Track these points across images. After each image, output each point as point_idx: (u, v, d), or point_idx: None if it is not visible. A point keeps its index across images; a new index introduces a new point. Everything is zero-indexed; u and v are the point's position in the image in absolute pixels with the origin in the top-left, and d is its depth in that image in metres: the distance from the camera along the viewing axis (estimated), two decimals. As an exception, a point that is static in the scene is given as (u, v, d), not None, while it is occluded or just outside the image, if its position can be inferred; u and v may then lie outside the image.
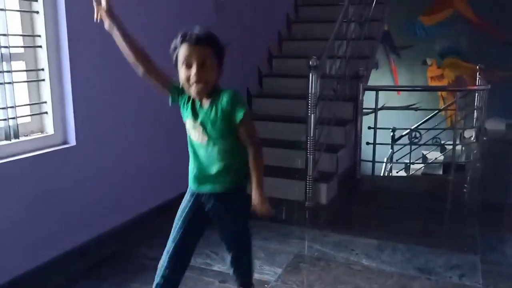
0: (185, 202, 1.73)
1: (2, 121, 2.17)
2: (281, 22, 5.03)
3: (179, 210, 1.73)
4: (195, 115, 1.60)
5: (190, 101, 1.61)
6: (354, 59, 4.14)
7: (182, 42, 1.50)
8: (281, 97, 4.31)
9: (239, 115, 1.54)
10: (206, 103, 1.58)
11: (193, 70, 1.49)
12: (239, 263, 1.79)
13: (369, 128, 4.29)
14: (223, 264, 2.48)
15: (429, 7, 7.82)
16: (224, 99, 1.54)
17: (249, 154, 1.60)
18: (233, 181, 1.64)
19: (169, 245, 1.70)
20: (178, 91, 1.63)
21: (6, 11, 2.14)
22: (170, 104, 1.68)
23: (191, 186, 1.71)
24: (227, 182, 1.64)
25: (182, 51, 1.50)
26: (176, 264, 1.69)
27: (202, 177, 1.65)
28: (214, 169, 1.62)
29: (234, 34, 3.97)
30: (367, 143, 4.36)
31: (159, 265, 1.70)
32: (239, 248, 1.77)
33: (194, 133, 1.62)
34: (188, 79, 1.50)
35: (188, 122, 1.63)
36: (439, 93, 7.85)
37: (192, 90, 1.53)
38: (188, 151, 1.69)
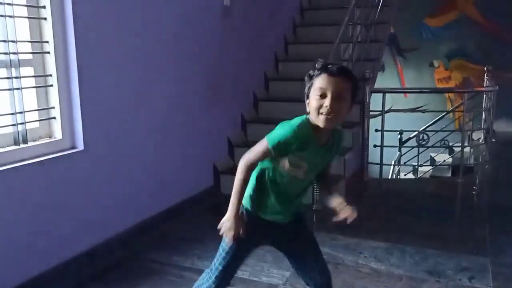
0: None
1: (11, 127, 2.19)
2: (286, 26, 5.04)
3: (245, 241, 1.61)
4: (310, 154, 1.52)
5: (311, 142, 1.51)
6: (360, 61, 4.14)
7: (322, 72, 1.46)
8: (288, 100, 4.31)
9: (344, 149, 1.60)
10: (326, 140, 1.54)
11: (328, 100, 1.43)
12: None
13: (376, 130, 4.28)
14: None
15: (435, 9, 7.79)
16: (341, 134, 1.59)
17: (328, 177, 1.69)
18: (303, 206, 1.73)
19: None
20: (287, 149, 1.50)
21: (15, 18, 2.17)
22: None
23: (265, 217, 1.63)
24: (299, 209, 1.70)
25: (319, 81, 1.45)
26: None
27: (286, 209, 1.62)
28: (295, 200, 1.63)
29: (240, 38, 3.98)
30: (375, 146, 4.33)
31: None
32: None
33: (296, 171, 1.54)
34: (319, 108, 1.45)
35: (293, 162, 1.53)
36: (447, 95, 7.81)
37: (320, 120, 1.46)
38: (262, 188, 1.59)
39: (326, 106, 1.43)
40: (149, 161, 2.95)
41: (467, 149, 4.71)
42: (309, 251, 1.72)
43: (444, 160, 6.21)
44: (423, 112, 5.11)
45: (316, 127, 1.48)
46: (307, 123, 1.50)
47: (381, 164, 4.40)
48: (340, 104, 1.44)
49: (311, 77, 1.49)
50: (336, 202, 1.61)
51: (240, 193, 1.53)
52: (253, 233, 1.58)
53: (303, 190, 1.62)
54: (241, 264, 1.67)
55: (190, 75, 3.33)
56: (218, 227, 1.56)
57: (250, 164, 1.52)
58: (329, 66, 1.46)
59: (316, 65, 1.50)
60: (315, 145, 1.50)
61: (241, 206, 1.57)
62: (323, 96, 1.44)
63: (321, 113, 1.44)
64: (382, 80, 6.83)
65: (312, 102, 1.46)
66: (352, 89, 1.47)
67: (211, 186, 3.67)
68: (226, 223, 1.54)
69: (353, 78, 1.48)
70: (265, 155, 1.51)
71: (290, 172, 1.52)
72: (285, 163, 1.52)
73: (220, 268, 1.61)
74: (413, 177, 6.23)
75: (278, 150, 1.49)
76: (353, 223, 1.60)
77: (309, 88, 1.49)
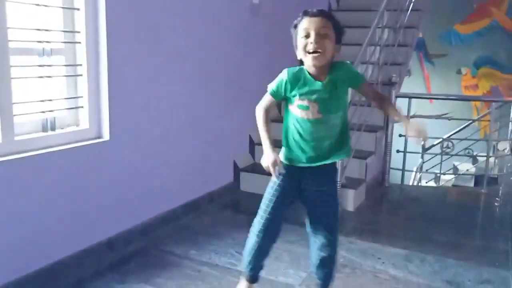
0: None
1: (40, 114, 2.24)
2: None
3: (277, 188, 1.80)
4: (310, 93, 1.64)
5: (305, 81, 1.65)
6: (387, 65, 4.09)
7: (303, 16, 1.60)
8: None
9: (361, 78, 1.71)
10: (324, 77, 1.63)
11: (311, 38, 1.56)
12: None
13: (400, 136, 4.23)
14: (247, 265, 2.48)
15: (467, 16, 7.65)
16: (344, 67, 1.66)
17: (383, 100, 1.77)
18: (337, 154, 1.73)
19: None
20: (283, 88, 1.69)
21: (49, 8, 2.21)
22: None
23: (295, 163, 1.75)
24: (331, 156, 1.72)
25: (302, 23, 1.59)
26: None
27: (313, 154, 1.71)
28: (326, 143, 1.69)
29: (267, 36, 3.98)
30: (397, 151, 4.29)
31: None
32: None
33: (307, 113, 1.65)
34: (305, 47, 1.57)
35: (300, 102, 1.66)
36: (473, 103, 7.67)
37: (309, 60, 1.59)
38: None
39: (311, 43, 1.56)
40: (171, 154, 2.97)
41: (491, 159, 4.63)
42: (322, 221, 1.81)
43: (468, 170, 6.10)
44: (448, 119, 5.01)
45: (309, 66, 1.63)
46: (299, 65, 1.68)
47: (403, 170, 4.35)
48: (324, 40, 1.57)
49: (295, 26, 1.62)
50: (397, 118, 1.75)
51: (265, 131, 1.71)
52: (290, 178, 1.76)
53: (330, 133, 1.68)
54: (283, 209, 1.81)
55: (215, 71, 3.34)
56: (262, 164, 1.70)
57: (261, 107, 1.77)
58: (308, 10, 1.60)
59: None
60: (312, 81, 1.62)
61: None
62: (307, 36, 1.57)
63: (308, 52, 1.58)
64: (408, 85, 6.72)
65: (299, 44, 1.60)
66: (333, 28, 1.60)
67: (231, 182, 3.68)
68: (267, 159, 1.68)
69: (333, 18, 1.62)
70: (269, 100, 1.74)
71: (303, 116, 1.64)
72: (294, 109, 1.66)
73: (265, 208, 1.79)
74: (434, 185, 6.14)
75: (277, 93, 1.70)
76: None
77: (296, 37, 1.62)
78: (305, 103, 1.64)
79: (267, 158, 1.68)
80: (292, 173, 1.76)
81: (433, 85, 8.05)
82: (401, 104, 4.10)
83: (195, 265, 2.47)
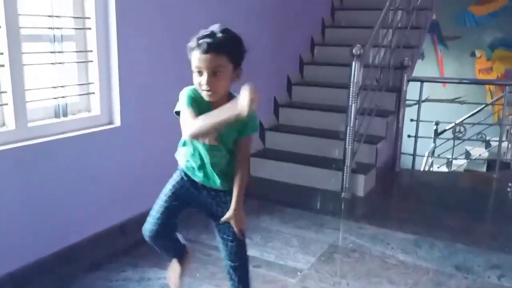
0: (177, 183, 1.75)
1: (52, 100, 2.27)
2: (324, 9, 4.95)
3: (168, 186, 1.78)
4: None
5: (203, 104, 1.53)
6: (399, 48, 4.04)
7: (196, 45, 1.44)
8: (322, 86, 4.27)
9: (251, 130, 1.58)
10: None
11: (204, 78, 1.45)
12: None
13: (412, 120, 4.20)
14: (257, 249, 2.51)
15: (481, -3, 7.49)
16: None
17: (241, 167, 1.61)
18: (229, 184, 1.64)
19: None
20: (193, 99, 1.56)
21: (59, -6, 2.22)
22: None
23: (189, 174, 1.71)
24: (224, 185, 1.65)
25: (194, 58, 1.46)
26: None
27: (201, 174, 1.66)
28: (216, 171, 1.62)
29: (277, 19, 3.95)
30: (409, 136, 4.26)
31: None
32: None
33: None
34: (199, 85, 1.49)
35: None
36: (487, 86, 7.55)
37: (203, 95, 1.51)
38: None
39: (203, 84, 1.45)
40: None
41: (504, 144, 4.57)
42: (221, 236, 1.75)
43: (480, 155, 6.04)
44: (461, 104, 4.97)
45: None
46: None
47: (414, 155, 4.33)
48: (217, 79, 1.45)
49: (189, 50, 1.48)
50: (232, 202, 1.61)
51: (211, 115, 1.53)
52: (184, 189, 1.71)
53: (219, 159, 1.60)
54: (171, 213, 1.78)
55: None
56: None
57: (189, 124, 1.56)
58: (200, 42, 1.43)
59: (193, 37, 1.47)
60: (209, 107, 1.49)
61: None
62: (200, 73, 1.46)
63: (202, 89, 1.47)
64: (421, 68, 6.64)
65: (193, 76, 1.49)
66: (230, 60, 1.46)
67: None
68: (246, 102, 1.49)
69: (227, 48, 1.45)
70: (192, 112, 1.53)
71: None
72: None
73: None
74: (446, 170, 6.10)
75: (194, 104, 1.52)
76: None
77: (191, 61, 1.49)
78: None
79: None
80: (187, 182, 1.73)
81: (446, 68, 7.93)
82: (413, 88, 4.07)
83: (206, 249, 2.51)
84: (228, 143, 1.60)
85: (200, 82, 1.47)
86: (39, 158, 2.13)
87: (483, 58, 7.67)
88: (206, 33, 1.46)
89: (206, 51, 1.43)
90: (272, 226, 2.83)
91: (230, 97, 1.52)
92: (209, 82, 1.45)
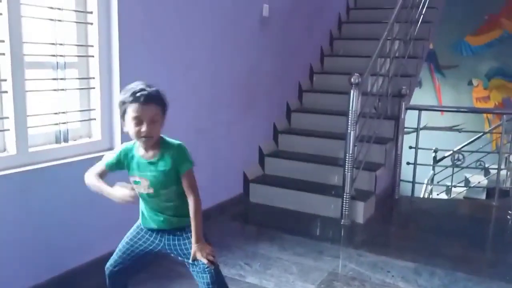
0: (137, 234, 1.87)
1: (54, 125, 2.29)
2: (324, 38, 5.05)
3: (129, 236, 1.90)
4: (140, 170, 1.71)
5: (134, 158, 1.71)
6: (397, 77, 4.10)
7: (133, 100, 1.58)
8: (321, 113, 4.31)
9: (186, 167, 1.70)
10: (152, 155, 1.68)
11: (144, 126, 1.60)
12: None
13: (410, 147, 4.22)
14: (256, 277, 2.49)
15: (477, 28, 7.63)
16: (176, 150, 1.68)
17: (189, 205, 1.74)
18: (181, 221, 1.77)
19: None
20: (117, 161, 1.75)
21: (63, 22, 2.27)
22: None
23: (144, 224, 1.85)
24: (174, 224, 1.78)
25: (134, 109, 1.59)
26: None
27: (152, 220, 1.80)
28: (161, 215, 1.76)
29: (277, 48, 4.02)
30: (408, 163, 4.27)
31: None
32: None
33: (139, 187, 1.72)
34: (138, 133, 1.61)
35: (133, 178, 1.74)
36: (485, 115, 7.61)
37: (141, 143, 1.66)
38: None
39: (143, 131, 1.60)
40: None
41: (503, 172, 4.58)
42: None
43: (479, 182, 6.04)
44: (459, 131, 4.99)
45: (140, 146, 1.69)
46: (133, 141, 1.71)
47: (413, 182, 4.33)
48: (156, 125, 1.63)
49: (123, 103, 1.62)
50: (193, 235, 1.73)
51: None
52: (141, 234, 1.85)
53: (164, 203, 1.74)
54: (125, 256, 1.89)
55: (225, 82, 3.38)
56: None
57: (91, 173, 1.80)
58: (138, 95, 1.58)
59: (123, 93, 1.63)
60: (140, 159, 1.69)
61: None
62: (139, 123, 1.60)
63: (141, 137, 1.62)
64: (419, 96, 6.72)
65: (130, 128, 1.63)
66: (161, 109, 1.64)
67: (240, 193, 3.70)
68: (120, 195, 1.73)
69: (161, 101, 1.64)
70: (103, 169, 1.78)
71: (136, 189, 1.71)
72: (131, 179, 1.74)
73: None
74: (446, 197, 6.09)
75: (109, 167, 1.75)
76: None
77: (124, 113, 1.63)
78: (136, 178, 1.71)
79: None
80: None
81: (444, 96, 8.02)
82: (412, 116, 4.11)
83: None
84: (168, 185, 1.71)
85: (140, 130, 1.60)
86: (40, 183, 2.13)
87: (480, 87, 7.77)
88: (139, 88, 1.60)
89: (145, 102, 1.58)
90: (271, 253, 2.81)
91: (161, 140, 1.69)
92: (150, 130, 1.60)
